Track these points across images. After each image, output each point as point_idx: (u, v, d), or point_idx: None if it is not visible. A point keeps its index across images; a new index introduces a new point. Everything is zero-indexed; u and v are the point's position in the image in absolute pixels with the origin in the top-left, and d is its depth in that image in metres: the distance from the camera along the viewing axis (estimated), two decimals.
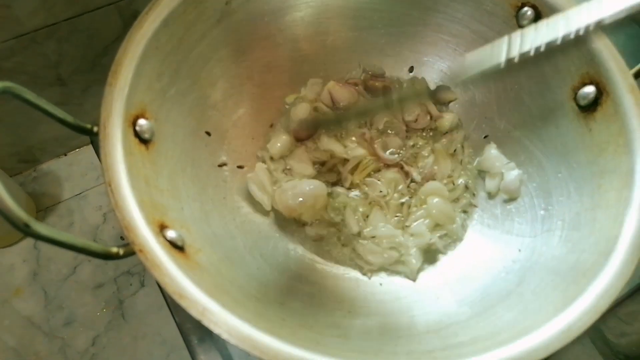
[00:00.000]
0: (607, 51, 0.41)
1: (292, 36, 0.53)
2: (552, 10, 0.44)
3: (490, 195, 0.51)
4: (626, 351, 0.77)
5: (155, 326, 0.78)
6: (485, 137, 0.53)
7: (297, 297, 0.42)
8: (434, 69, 0.57)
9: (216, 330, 0.30)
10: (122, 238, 0.86)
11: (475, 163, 0.53)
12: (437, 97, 0.56)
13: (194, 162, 0.45)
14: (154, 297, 0.80)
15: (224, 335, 0.30)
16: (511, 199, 0.49)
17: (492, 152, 0.51)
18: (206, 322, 0.30)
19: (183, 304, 0.31)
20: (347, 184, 0.52)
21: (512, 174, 0.49)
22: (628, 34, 0.70)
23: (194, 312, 0.31)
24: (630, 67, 0.42)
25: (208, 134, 0.48)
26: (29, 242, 0.84)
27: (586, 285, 0.33)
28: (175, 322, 0.48)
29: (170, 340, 0.77)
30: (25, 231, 0.27)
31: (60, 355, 0.76)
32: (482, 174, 0.52)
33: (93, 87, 0.82)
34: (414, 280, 0.47)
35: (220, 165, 0.50)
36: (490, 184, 0.51)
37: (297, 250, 0.48)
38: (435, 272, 0.47)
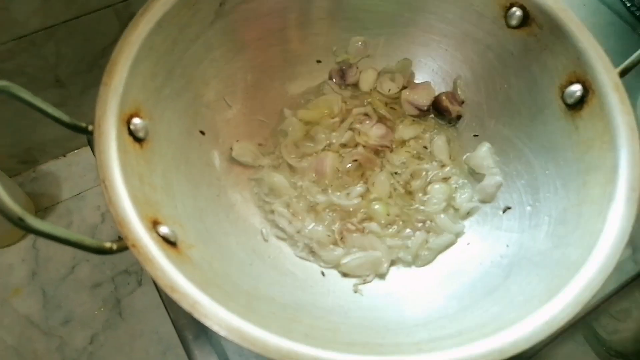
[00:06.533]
0: (592, 50, 0.42)
1: (285, 37, 0.53)
2: (541, 11, 0.45)
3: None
4: (619, 348, 0.78)
5: (152, 324, 0.79)
6: (475, 135, 0.54)
7: (287, 292, 0.43)
8: (427, 68, 0.58)
9: (206, 322, 0.31)
10: (120, 238, 0.87)
11: (464, 157, 0.54)
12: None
13: (188, 161, 0.46)
14: (151, 295, 0.80)
15: (214, 327, 0.31)
16: (483, 201, 0.50)
17: (482, 151, 0.51)
18: (197, 315, 0.31)
19: (174, 297, 0.32)
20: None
21: (492, 179, 0.50)
22: (618, 33, 0.71)
23: (185, 305, 0.31)
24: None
25: (202, 132, 0.49)
26: (27, 242, 0.85)
27: (569, 279, 0.34)
28: (170, 318, 0.49)
29: (166, 338, 0.78)
30: (20, 225, 0.28)
31: (58, 353, 0.77)
32: (469, 170, 0.53)
33: (91, 89, 0.83)
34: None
35: None
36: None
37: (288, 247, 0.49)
38: (426, 269, 0.48)
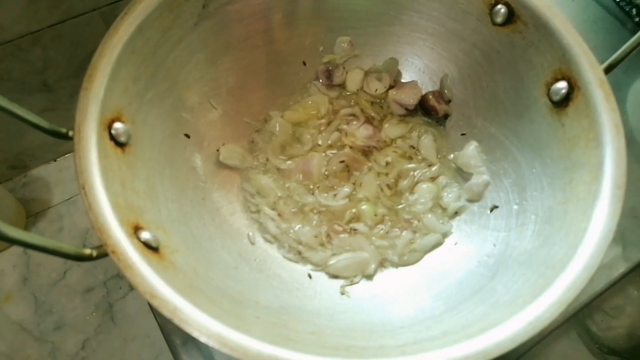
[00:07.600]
0: (578, 47, 0.42)
1: (270, 38, 0.53)
2: (525, 8, 0.45)
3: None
4: (612, 345, 0.77)
5: (144, 328, 0.78)
6: (462, 134, 0.53)
7: (273, 296, 0.42)
8: (413, 67, 0.58)
9: (187, 328, 0.31)
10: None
11: (451, 156, 0.54)
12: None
13: (173, 164, 0.46)
14: (142, 300, 0.80)
15: (194, 333, 0.30)
16: (471, 200, 0.50)
17: (470, 149, 0.51)
18: (177, 321, 0.31)
19: (154, 303, 0.31)
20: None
21: (480, 178, 0.50)
22: (608, 29, 0.70)
23: (165, 312, 0.31)
24: None
25: (187, 136, 0.49)
26: (19, 247, 0.84)
27: (554, 278, 0.34)
28: (158, 323, 0.48)
29: (159, 342, 0.78)
30: None
31: (50, 359, 0.77)
32: (457, 169, 0.53)
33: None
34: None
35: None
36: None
37: (276, 250, 0.49)
38: (413, 269, 0.48)
